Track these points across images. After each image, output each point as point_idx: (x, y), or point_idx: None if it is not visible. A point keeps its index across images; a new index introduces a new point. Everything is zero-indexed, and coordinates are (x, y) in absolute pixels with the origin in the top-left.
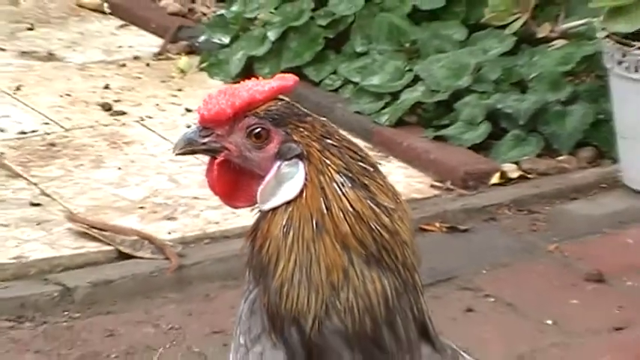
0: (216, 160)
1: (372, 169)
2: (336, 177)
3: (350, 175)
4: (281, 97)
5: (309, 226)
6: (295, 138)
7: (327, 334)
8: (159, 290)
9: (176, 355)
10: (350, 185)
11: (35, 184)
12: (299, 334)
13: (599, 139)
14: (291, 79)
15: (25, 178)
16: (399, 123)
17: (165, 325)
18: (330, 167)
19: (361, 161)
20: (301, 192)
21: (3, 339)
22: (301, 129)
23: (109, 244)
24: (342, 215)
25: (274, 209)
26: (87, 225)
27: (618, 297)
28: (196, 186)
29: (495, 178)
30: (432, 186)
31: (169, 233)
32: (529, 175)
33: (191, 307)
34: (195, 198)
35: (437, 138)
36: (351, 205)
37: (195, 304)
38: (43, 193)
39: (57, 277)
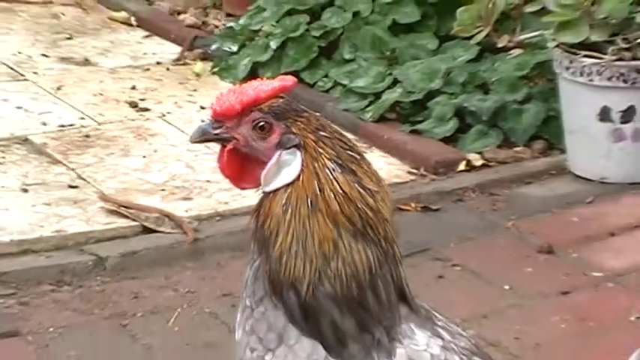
0: (226, 149)
1: (358, 157)
2: (328, 164)
3: (340, 162)
4: (282, 95)
5: (305, 205)
6: (294, 130)
7: (320, 297)
8: (177, 260)
9: (192, 314)
10: (340, 171)
11: (73, 170)
12: (296, 297)
13: (549, 133)
14: (290, 80)
15: (64, 164)
16: (381, 119)
17: (182, 289)
18: (323, 155)
19: (349, 150)
20: (298, 176)
21: (46, 300)
22: (299, 123)
23: (135, 221)
24: (333, 196)
25: (275, 191)
26: (117, 204)
27: (565, 266)
28: (209, 171)
29: (462, 166)
30: (409, 172)
31: (186, 211)
32: (490, 163)
33: (205, 273)
34: (209, 181)
35: (413, 132)
36: (341, 188)
37: (208, 271)
38: (80, 177)
39: (91, 248)
